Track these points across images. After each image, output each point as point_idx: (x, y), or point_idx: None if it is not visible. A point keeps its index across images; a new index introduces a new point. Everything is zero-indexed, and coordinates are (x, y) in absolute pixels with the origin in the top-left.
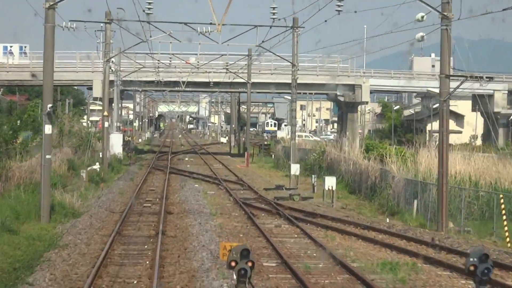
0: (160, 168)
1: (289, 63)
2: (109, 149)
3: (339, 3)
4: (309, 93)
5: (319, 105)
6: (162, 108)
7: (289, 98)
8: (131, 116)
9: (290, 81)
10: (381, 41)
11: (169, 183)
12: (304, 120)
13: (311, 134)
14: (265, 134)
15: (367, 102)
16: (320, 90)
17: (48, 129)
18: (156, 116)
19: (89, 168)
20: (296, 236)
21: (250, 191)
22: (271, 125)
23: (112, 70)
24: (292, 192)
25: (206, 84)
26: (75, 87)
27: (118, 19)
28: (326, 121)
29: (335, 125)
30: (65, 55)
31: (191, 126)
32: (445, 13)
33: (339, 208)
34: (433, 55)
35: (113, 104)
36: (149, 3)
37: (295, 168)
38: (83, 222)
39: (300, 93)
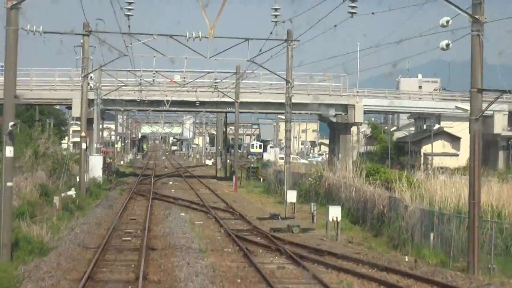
0: (142, 193)
1: (279, 81)
2: (88, 172)
3: (352, 4)
4: (299, 113)
5: (305, 127)
6: (145, 129)
7: (274, 119)
8: (113, 138)
9: (280, 100)
10: (368, 60)
11: (152, 211)
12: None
13: (298, 157)
14: (250, 156)
15: (361, 123)
16: (311, 110)
17: (9, 151)
18: (139, 137)
19: (63, 194)
20: (305, 281)
21: (242, 221)
22: (256, 147)
23: (91, 87)
24: (290, 223)
25: (191, 104)
26: (56, 106)
27: (97, 30)
28: (312, 143)
29: (322, 147)
30: (44, 72)
31: (174, 147)
32: (477, 16)
33: (345, 242)
34: (419, 76)
35: (93, 125)
36: (129, 3)
37: (291, 195)
38: (49, 263)
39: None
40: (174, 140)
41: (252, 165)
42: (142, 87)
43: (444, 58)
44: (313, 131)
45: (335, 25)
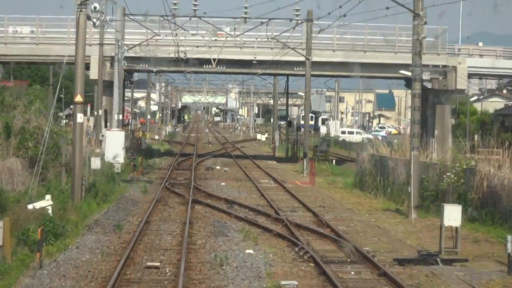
0: (178, 188)
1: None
2: (100, 157)
3: None
4: (379, 77)
5: (359, 97)
6: (187, 98)
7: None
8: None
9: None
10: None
11: (191, 236)
12: (343, 114)
13: (362, 131)
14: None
15: (463, 91)
16: (396, 73)
17: None
18: (179, 107)
19: (31, 207)
20: None
21: (365, 267)
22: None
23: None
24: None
25: (246, 63)
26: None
27: None
28: (367, 115)
29: (381, 119)
30: (54, 23)
31: (217, 118)
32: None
33: None
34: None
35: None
36: None
37: (452, 214)
38: None
39: (370, 76)
40: (217, 110)
41: (319, 144)
42: (181, 39)
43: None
44: (368, 102)
45: None
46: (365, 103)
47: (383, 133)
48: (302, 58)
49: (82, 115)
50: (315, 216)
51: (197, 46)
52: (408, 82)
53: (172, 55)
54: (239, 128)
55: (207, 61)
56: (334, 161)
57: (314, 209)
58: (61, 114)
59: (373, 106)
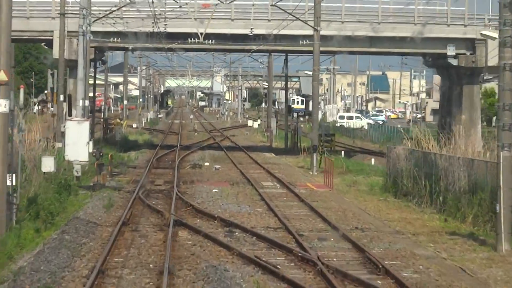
0: (155, 198)
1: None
2: (58, 156)
3: None
4: (395, 53)
5: (352, 80)
6: (170, 82)
7: (324, 71)
8: (134, 92)
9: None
10: None
11: None
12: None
13: (359, 115)
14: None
15: (496, 68)
16: (414, 48)
17: None
18: (162, 91)
19: None
20: None
21: None
22: (297, 103)
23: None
24: None
25: (237, 38)
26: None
27: None
28: (359, 98)
29: (377, 102)
30: None
31: (203, 103)
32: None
33: None
34: None
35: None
36: None
37: None
38: None
39: (386, 53)
40: (202, 95)
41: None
42: (161, 10)
43: None
44: (361, 84)
45: None
46: (359, 85)
47: (382, 117)
48: (308, 31)
49: (6, 101)
50: (358, 249)
51: (181, 16)
52: (426, 60)
53: (150, 29)
54: (226, 113)
55: (193, 36)
56: (343, 152)
57: (351, 235)
58: (35, 100)
59: (367, 88)
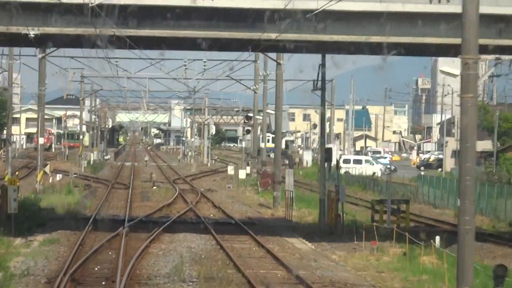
0: None
1: None
2: None
3: None
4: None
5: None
6: (122, 117)
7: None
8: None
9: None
10: None
11: None
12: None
13: (370, 159)
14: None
15: None
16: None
17: None
18: (110, 126)
19: None
20: None
21: None
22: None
23: None
24: None
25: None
26: None
27: None
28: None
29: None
30: None
31: (158, 140)
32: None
33: None
34: None
35: None
36: None
37: None
38: None
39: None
40: (157, 131)
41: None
42: None
43: None
44: (339, 120)
45: None
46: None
47: (387, 160)
48: None
49: None
50: None
51: None
52: None
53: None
54: (189, 154)
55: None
56: (437, 238)
57: None
58: None
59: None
